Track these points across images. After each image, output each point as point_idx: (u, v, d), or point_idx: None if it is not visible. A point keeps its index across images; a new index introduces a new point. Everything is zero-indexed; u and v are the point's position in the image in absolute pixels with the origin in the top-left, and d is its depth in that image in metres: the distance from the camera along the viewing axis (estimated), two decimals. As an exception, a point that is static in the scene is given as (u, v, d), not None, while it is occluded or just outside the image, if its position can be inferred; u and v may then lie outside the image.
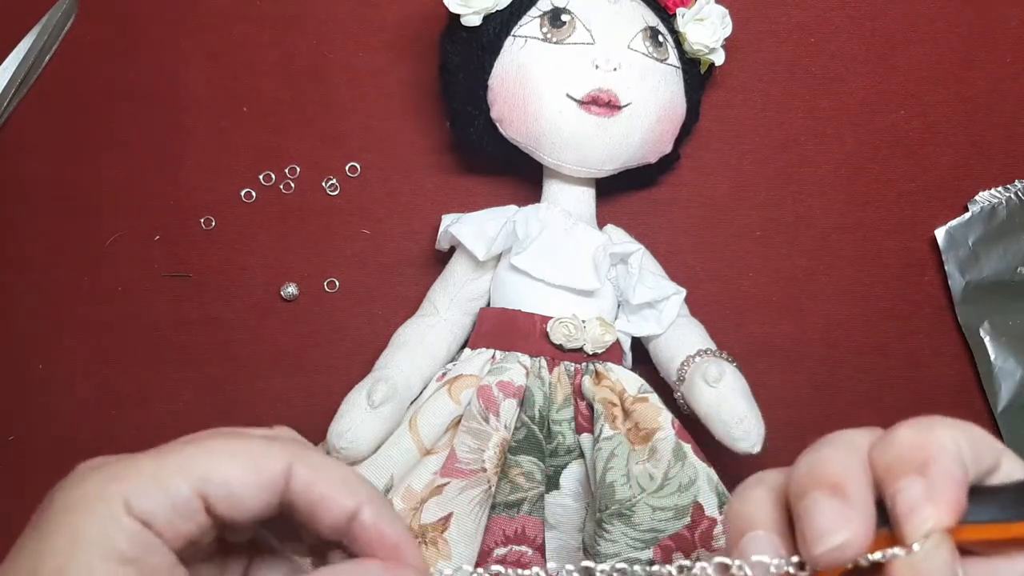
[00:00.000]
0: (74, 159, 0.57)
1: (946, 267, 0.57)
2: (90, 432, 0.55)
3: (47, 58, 0.57)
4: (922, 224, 0.58)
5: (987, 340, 0.56)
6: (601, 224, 0.53)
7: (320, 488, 0.26)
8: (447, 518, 0.44)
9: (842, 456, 0.25)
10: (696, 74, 0.52)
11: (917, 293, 0.57)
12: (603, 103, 0.47)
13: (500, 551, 0.45)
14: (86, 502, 0.26)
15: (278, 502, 0.26)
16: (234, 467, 0.26)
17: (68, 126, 0.57)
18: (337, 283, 0.56)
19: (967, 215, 0.57)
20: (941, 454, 0.23)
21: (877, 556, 0.23)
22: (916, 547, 0.23)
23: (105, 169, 0.57)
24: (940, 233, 0.57)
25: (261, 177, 0.57)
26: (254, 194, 0.57)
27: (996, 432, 0.56)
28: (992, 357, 0.56)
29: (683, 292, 0.50)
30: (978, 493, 0.24)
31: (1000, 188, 0.58)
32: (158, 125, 0.57)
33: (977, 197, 0.57)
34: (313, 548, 0.29)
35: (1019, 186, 0.57)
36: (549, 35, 0.48)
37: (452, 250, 0.52)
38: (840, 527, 0.23)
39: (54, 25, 0.57)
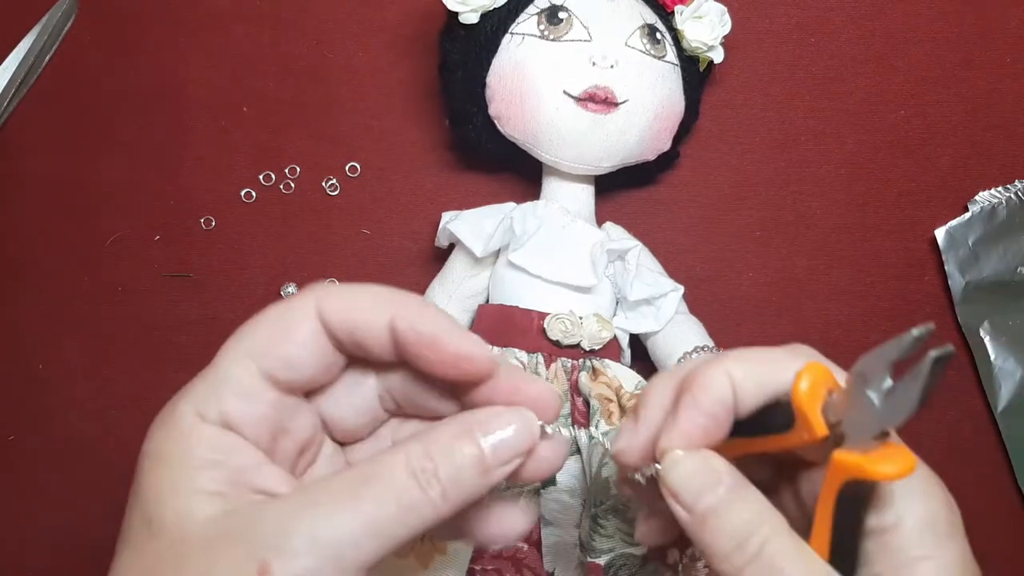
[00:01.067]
0: (74, 159, 0.57)
1: (946, 267, 0.57)
2: (90, 432, 0.55)
3: (47, 58, 0.57)
4: (922, 224, 0.58)
5: (987, 340, 0.56)
6: (600, 223, 0.53)
7: (348, 316, 0.27)
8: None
9: (659, 383, 0.31)
10: (695, 72, 0.52)
11: (917, 293, 0.57)
12: (600, 100, 0.48)
13: (496, 546, 0.45)
14: (162, 426, 0.27)
15: (328, 348, 0.28)
16: (275, 330, 0.27)
17: (68, 126, 0.57)
18: (337, 283, 0.56)
19: (967, 215, 0.57)
20: (696, 387, 0.29)
21: (651, 470, 0.29)
22: (657, 466, 0.29)
23: (105, 169, 0.57)
24: (940, 233, 0.57)
25: (261, 177, 0.57)
26: (254, 194, 0.57)
27: (996, 432, 0.56)
28: (992, 357, 0.56)
29: (681, 289, 0.50)
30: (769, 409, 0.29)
31: (1000, 188, 0.58)
32: (158, 125, 0.57)
33: (977, 197, 0.57)
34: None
35: (1019, 186, 0.57)
36: (546, 32, 0.48)
37: (452, 247, 0.52)
38: (621, 440, 0.31)
39: (54, 25, 0.57)
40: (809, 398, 0.28)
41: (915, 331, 0.26)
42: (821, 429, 0.27)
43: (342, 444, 0.31)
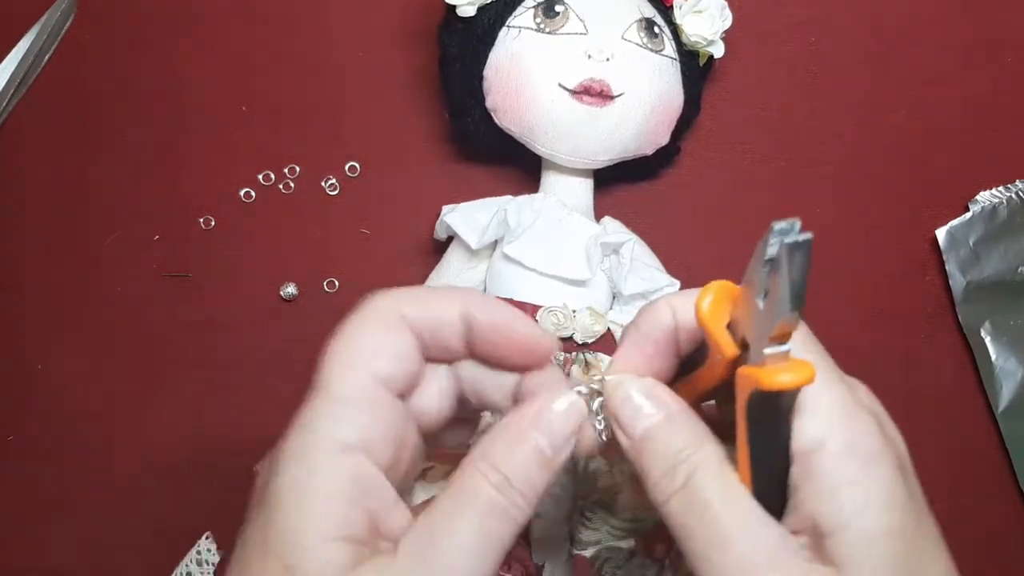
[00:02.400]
0: (73, 159, 0.57)
1: (947, 267, 0.57)
2: (89, 432, 0.55)
3: (46, 58, 0.57)
4: (923, 224, 0.58)
5: (988, 340, 0.56)
6: (600, 218, 0.53)
7: (425, 312, 0.29)
8: (429, 502, 0.44)
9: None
10: (695, 66, 0.52)
11: (918, 293, 0.57)
12: (595, 93, 0.48)
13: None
14: (297, 457, 0.27)
15: (419, 347, 0.29)
16: (375, 337, 0.28)
17: (67, 126, 0.57)
18: (337, 283, 0.56)
19: (968, 215, 0.57)
20: (639, 317, 0.30)
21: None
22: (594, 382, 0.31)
23: (104, 169, 0.57)
24: (941, 233, 0.57)
25: (261, 177, 0.57)
26: (254, 194, 0.57)
27: (997, 432, 0.56)
28: (993, 357, 0.56)
29: (676, 284, 0.50)
30: None
31: (1001, 188, 0.57)
32: (157, 125, 0.57)
33: (978, 197, 0.57)
34: None
35: (1020, 186, 0.57)
36: (543, 25, 0.48)
37: (450, 240, 0.52)
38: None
39: (53, 25, 0.57)
40: (712, 316, 0.27)
41: (775, 224, 0.25)
42: (730, 348, 0.27)
43: None
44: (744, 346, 0.27)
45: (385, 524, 0.27)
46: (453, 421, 0.32)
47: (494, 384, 0.31)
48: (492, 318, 0.29)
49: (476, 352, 0.30)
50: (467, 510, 0.27)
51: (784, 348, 0.25)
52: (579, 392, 0.32)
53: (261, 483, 0.27)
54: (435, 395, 0.31)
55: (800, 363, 0.25)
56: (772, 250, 0.25)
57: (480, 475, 0.27)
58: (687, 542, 0.27)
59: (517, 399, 0.31)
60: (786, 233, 0.25)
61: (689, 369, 0.30)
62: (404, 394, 0.29)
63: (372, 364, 0.28)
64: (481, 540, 0.26)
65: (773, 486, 0.27)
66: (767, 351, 0.25)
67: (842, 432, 0.27)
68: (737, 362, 0.27)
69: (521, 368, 0.30)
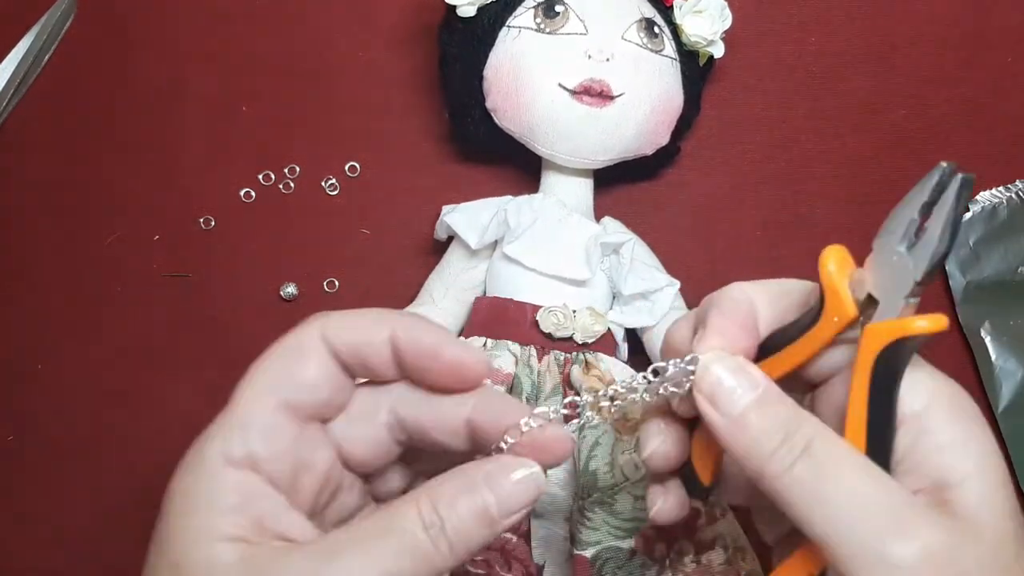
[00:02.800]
0: (73, 159, 0.57)
1: (947, 267, 0.57)
2: (90, 432, 0.55)
3: (46, 58, 0.57)
4: (923, 224, 0.58)
5: (988, 340, 0.56)
6: (599, 218, 0.53)
7: (351, 336, 0.29)
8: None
9: (680, 323, 0.32)
10: (695, 67, 0.52)
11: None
12: (595, 93, 0.48)
13: None
14: (188, 469, 0.28)
15: (341, 372, 0.29)
16: (289, 362, 0.29)
17: (67, 126, 0.57)
18: (337, 283, 0.56)
19: (968, 215, 0.57)
20: (721, 300, 0.30)
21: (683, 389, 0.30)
22: (679, 363, 0.30)
23: (104, 169, 0.57)
24: (941, 233, 0.57)
25: (261, 177, 0.57)
26: (254, 194, 0.57)
27: (997, 432, 0.56)
28: (993, 357, 0.56)
29: (676, 284, 0.50)
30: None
31: (1001, 188, 0.57)
32: (157, 125, 0.57)
33: (978, 197, 0.57)
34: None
35: (1020, 186, 0.57)
36: (543, 25, 0.48)
37: (451, 240, 0.52)
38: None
39: (53, 25, 0.57)
40: (839, 277, 0.28)
41: (943, 164, 0.26)
42: (852, 308, 0.27)
43: (363, 479, 0.32)
44: (865, 307, 0.28)
45: (279, 528, 0.27)
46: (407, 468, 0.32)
47: (433, 419, 0.30)
48: (418, 342, 0.29)
49: (408, 376, 0.30)
50: (387, 538, 0.26)
51: (917, 300, 0.27)
52: (581, 399, 0.32)
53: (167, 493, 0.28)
54: (366, 433, 0.30)
55: (931, 314, 0.26)
56: (931, 192, 0.26)
57: (416, 509, 0.27)
58: (814, 507, 0.26)
59: (471, 435, 0.30)
60: (949, 174, 0.26)
61: (765, 354, 0.30)
62: (322, 418, 0.30)
63: (278, 390, 0.28)
64: (383, 572, 0.26)
65: (884, 449, 0.28)
66: (906, 301, 0.26)
67: (946, 395, 0.28)
68: (853, 325, 0.28)
69: (456, 391, 0.30)
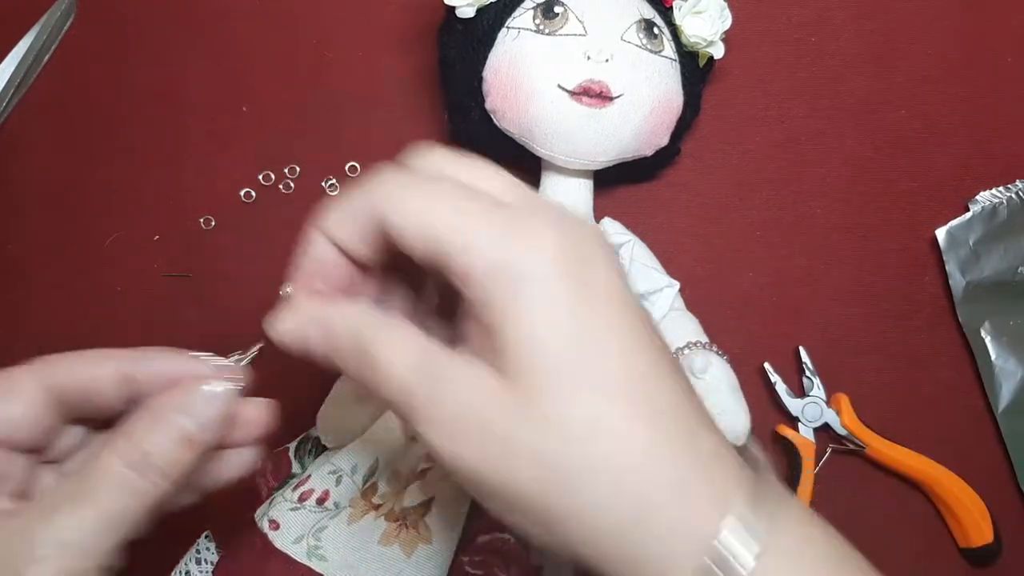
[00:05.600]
0: (73, 159, 0.57)
1: (947, 267, 0.57)
2: (90, 432, 0.55)
3: (46, 58, 0.57)
4: (922, 224, 0.58)
5: (988, 340, 0.56)
6: (599, 219, 0.53)
7: (77, 379, 0.32)
8: (428, 502, 0.44)
9: None
10: (695, 67, 0.52)
11: (917, 293, 0.57)
12: (595, 94, 0.48)
13: (483, 538, 0.45)
14: None
15: (57, 413, 0.31)
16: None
17: (67, 126, 0.57)
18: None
19: (968, 215, 0.57)
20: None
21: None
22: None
23: (104, 169, 0.57)
24: (941, 233, 0.57)
25: (261, 177, 0.57)
26: (254, 194, 0.57)
27: (997, 432, 0.56)
28: (993, 357, 0.56)
29: (676, 285, 0.50)
30: None
31: (1001, 188, 0.57)
32: (158, 125, 0.57)
33: (978, 197, 0.57)
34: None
35: (1020, 186, 0.57)
36: (542, 26, 0.48)
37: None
38: None
39: (53, 25, 0.57)
40: None
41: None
42: None
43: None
44: None
45: None
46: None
47: (88, 382, 0.32)
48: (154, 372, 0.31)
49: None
50: (98, 486, 0.28)
51: None
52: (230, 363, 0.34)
53: None
54: (26, 409, 0.31)
55: None
56: None
57: (116, 456, 0.28)
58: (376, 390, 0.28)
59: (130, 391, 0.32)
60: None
61: None
62: (24, 451, 0.31)
63: None
64: (103, 515, 0.27)
65: None
66: None
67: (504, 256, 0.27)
68: None
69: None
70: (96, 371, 0.31)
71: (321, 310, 0.30)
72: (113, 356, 0.31)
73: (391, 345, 0.28)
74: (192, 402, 0.30)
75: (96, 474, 0.28)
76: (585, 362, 0.26)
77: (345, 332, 0.29)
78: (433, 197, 0.28)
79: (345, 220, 0.30)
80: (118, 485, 0.28)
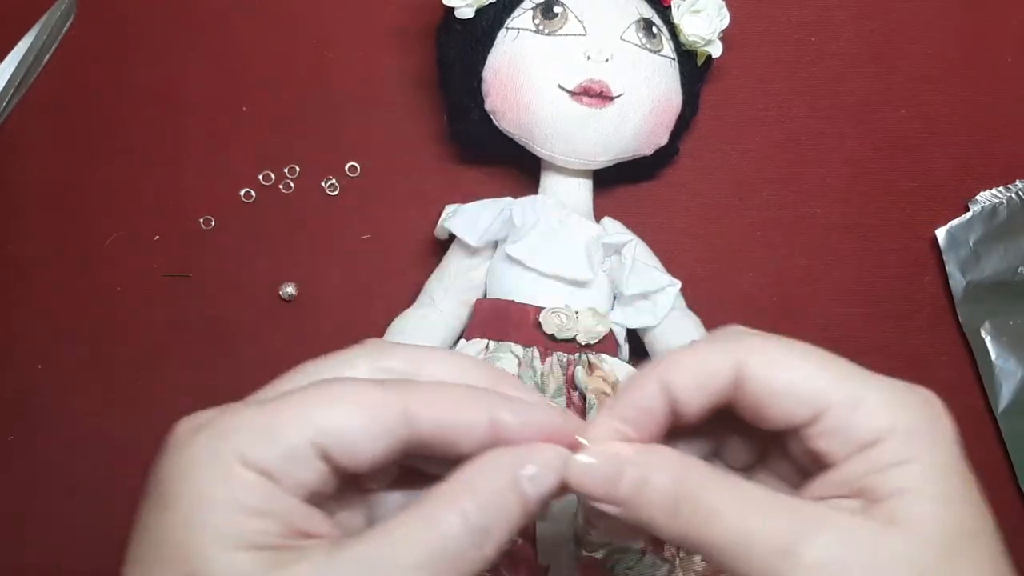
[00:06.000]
0: (73, 159, 0.57)
1: (947, 267, 0.57)
2: (89, 432, 0.55)
3: (46, 58, 0.57)
4: (922, 224, 0.58)
5: (988, 340, 0.56)
6: (599, 218, 0.53)
7: (444, 418, 0.26)
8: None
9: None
10: (693, 66, 0.52)
11: (917, 293, 0.57)
12: (595, 94, 0.48)
13: None
14: (198, 464, 0.25)
15: (400, 447, 0.26)
16: (351, 417, 0.25)
17: (67, 126, 0.57)
18: (337, 283, 0.56)
19: (968, 215, 0.57)
20: (620, 393, 0.29)
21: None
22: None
23: (104, 169, 0.57)
24: (941, 233, 0.57)
25: (261, 177, 0.57)
26: (254, 194, 0.57)
27: (997, 432, 0.56)
28: (993, 357, 0.56)
29: (677, 284, 0.50)
30: None
31: (1001, 188, 0.57)
32: (158, 125, 0.57)
33: (978, 197, 0.57)
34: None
35: (1020, 186, 0.57)
36: (541, 26, 0.48)
37: (451, 240, 0.52)
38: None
39: (53, 25, 0.57)
40: None
41: None
42: None
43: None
44: None
45: (305, 526, 0.25)
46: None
47: (454, 427, 0.27)
48: (527, 423, 0.27)
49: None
50: (429, 531, 0.25)
51: None
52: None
53: (155, 481, 0.26)
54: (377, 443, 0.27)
55: None
56: None
57: (459, 514, 0.25)
58: (712, 552, 0.26)
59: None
60: None
61: None
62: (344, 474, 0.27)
63: (323, 434, 0.25)
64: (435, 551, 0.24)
65: None
66: None
67: (906, 415, 0.28)
68: None
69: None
70: (471, 416, 0.27)
71: (639, 455, 0.28)
72: (485, 400, 0.27)
73: (731, 493, 0.26)
74: (537, 464, 0.27)
75: (432, 528, 0.25)
76: (965, 550, 0.27)
77: (667, 480, 0.27)
78: (804, 353, 0.28)
79: (695, 371, 0.28)
80: (451, 551, 0.25)
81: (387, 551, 0.24)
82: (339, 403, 0.26)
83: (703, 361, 0.28)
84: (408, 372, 0.28)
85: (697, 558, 0.45)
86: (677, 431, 0.29)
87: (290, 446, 0.25)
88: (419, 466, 0.29)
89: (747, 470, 0.32)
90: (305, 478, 0.25)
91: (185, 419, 0.28)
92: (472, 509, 0.25)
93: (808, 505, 0.26)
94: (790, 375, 0.27)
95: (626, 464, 0.27)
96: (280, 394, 0.26)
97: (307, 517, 0.25)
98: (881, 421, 0.27)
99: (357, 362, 0.28)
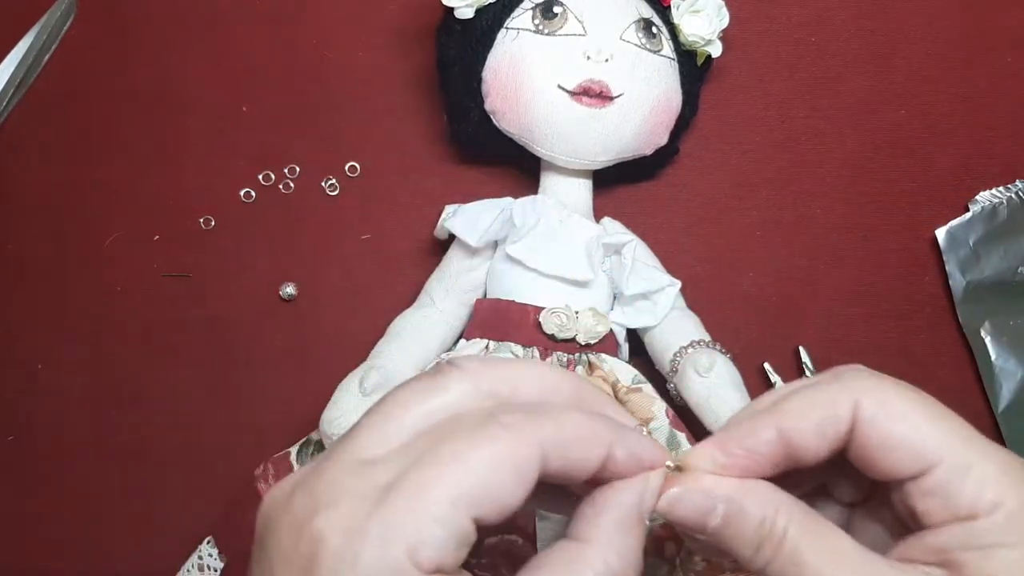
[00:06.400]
0: (73, 159, 0.57)
1: (947, 267, 0.57)
2: (90, 432, 0.55)
3: (46, 58, 0.57)
4: (922, 224, 0.58)
5: (988, 340, 0.56)
6: (598, 218, 0.53)
7: (571, 457, 0.26)
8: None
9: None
10: (693, 66, 0.52)
11: (917, 293, 0.57)
12: (595, 94, 0.48)
13: (491, 540, 0.45)
14: (368, 569, 0.24)
15: (526, 493, 0.26)
16: (500, 475, 0.25)
17: (67, 126, 0.57)
18: (337, 284, 0.56)
19: (968, 215, 0.57)
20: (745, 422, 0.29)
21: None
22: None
23: (104, 169, 0.57)
24: (941, 233, 0.57)
25: (261, 177, 0.57)
26: (254, 194, 0.57)
27: (997, 432, 0.56)
28: (993, 357, 0.56)
29: (677, 284, 0.50)
30: None
31: (1001, 188, 0.57)
32: (158, 125, 0.57)
33: (978, 197, 0.57)
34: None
35: (1020, 186, 0.57)
36: (541, 27, 0.48)
37: (451, 241, 0.52)
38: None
39: (53, 25, 0.57)
40: None
41: None
42: None
43: None
44: None
45: None
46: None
47: (579, 465, 0.28)
48: (638, 457, 0.28)
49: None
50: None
51: None
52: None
53: (305, 538, 0.24)
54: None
55: None
56: None
57: (598, 553, 0.26)
58: None
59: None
60: None
61: None
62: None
63: (477, 509, 0.25)
64: None
65: None
66: None
67: (1012, 497, 0.26)
68: None
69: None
70: (595, 453, 0.27)
71: (736, 490, 0.28)
72: (605, 437, 0.27)
73: (815, 544, 0.27)
74: (655, 497, 0.28)
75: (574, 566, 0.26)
76: None
77: (757, 519, 0.27)
78: (919, 404, 0.28)
79: (816, 419, 0.28)
80: None
81: None
82: (483, 464, 0.25)
83: (824, 408, 0.28)
84: (507, 395, 0.28)
85: (697, 558, 0.45)
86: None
87: (456, 531, 0.24)
88: None
89: (852, 506, 0.32)
90: (465, 552, 0.25)
91: (274, 493, 0.26)
92: (614, 559, 0.26)
93: (892, 570, 0.26)
94: (904, 427, 0.27)
95: (718, 501, 0.28)
96: (408, 461, 0.25)
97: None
98: (989, 494, 0.26)
99: (459, 387, 0.27)
